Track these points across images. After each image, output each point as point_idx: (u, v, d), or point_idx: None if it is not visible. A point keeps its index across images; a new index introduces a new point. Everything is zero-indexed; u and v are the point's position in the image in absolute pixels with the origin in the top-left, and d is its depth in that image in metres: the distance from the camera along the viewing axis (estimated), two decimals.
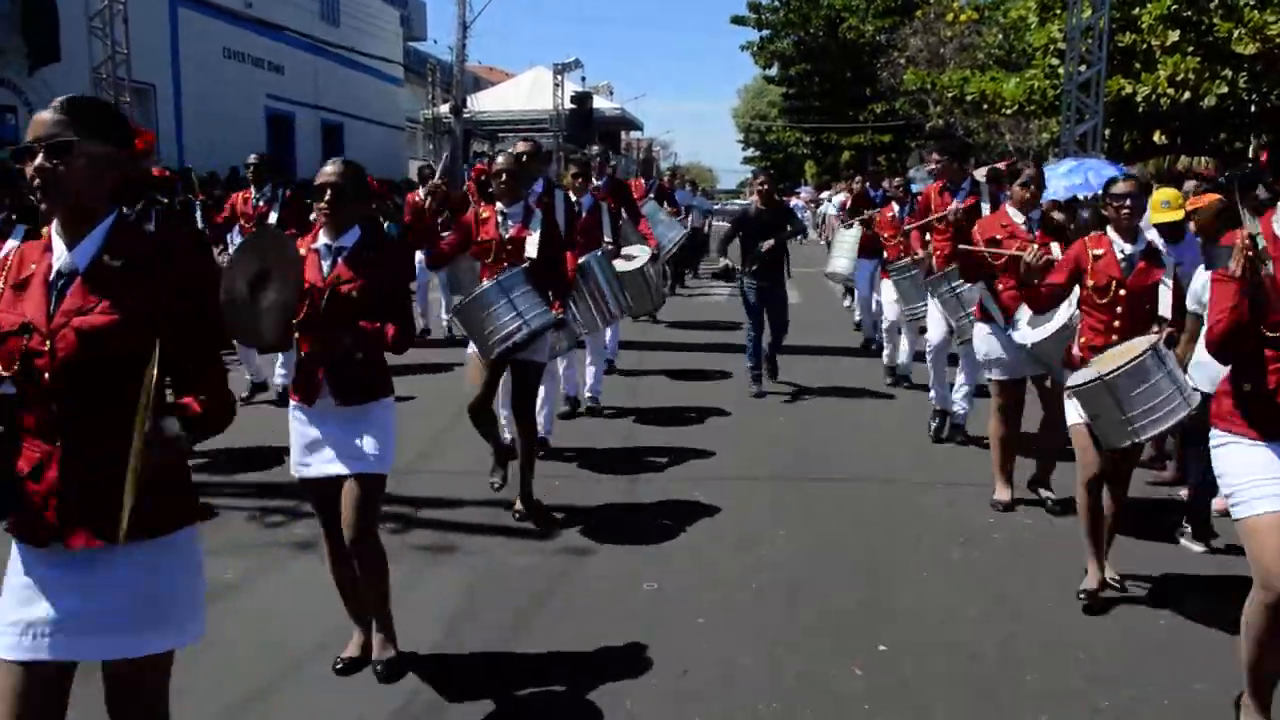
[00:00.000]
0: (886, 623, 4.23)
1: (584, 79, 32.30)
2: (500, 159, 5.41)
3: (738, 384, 9.07)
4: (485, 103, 31.18)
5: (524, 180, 5.58)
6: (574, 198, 7.25)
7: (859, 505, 5.82)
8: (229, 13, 23.12)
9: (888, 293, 9.07)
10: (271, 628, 4.17)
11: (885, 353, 9.48)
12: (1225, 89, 16.19)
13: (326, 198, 3.60)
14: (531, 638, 4.11)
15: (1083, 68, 15.17)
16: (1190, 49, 16.44)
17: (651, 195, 11.83)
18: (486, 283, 5.13)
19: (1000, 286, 5.70)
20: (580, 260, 6.55)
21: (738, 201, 46.02)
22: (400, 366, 9.00)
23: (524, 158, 5.89)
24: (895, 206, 9.36)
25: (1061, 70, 16.90)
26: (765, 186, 8.85)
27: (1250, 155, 18.67)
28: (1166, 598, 4.49)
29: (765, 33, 42.95)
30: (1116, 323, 4.48)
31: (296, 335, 3.52)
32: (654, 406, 8.26)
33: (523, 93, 31.86)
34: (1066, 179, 12.20)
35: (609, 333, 9.08)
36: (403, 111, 33.70)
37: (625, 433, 7.45)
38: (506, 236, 5.33)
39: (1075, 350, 4.61)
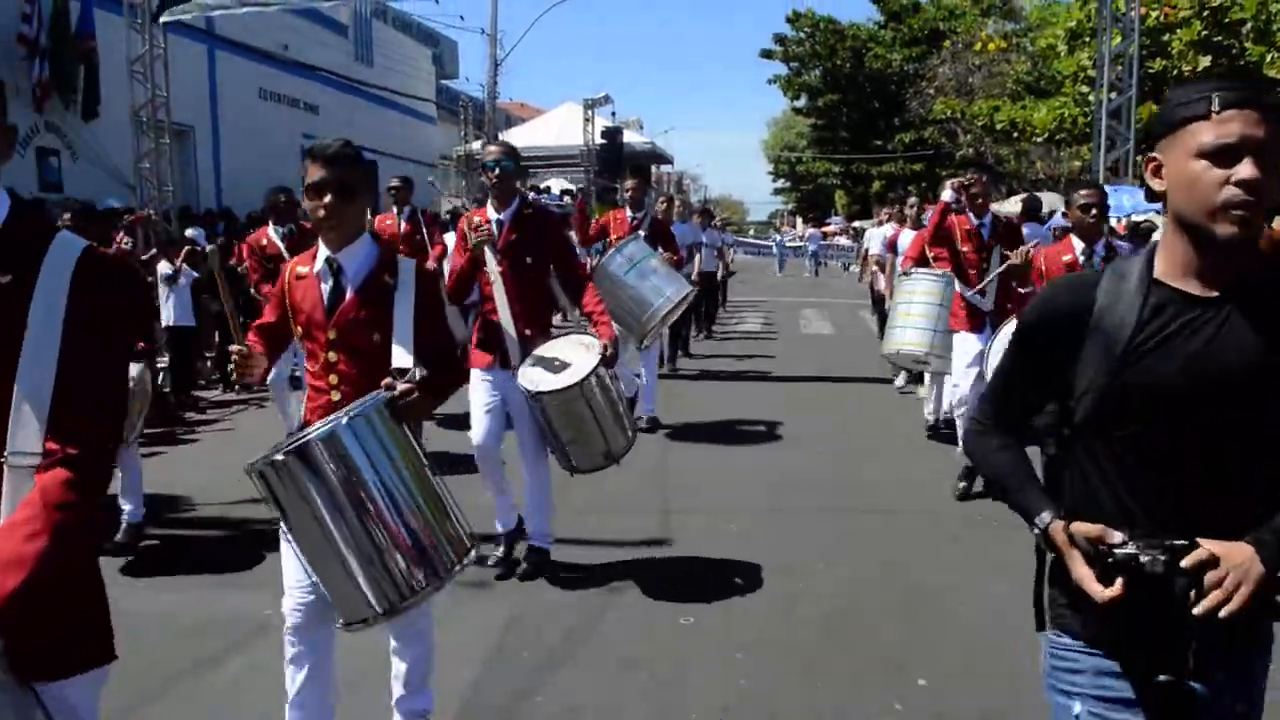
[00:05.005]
0: (927, 657, 4.19)
1: (614, 114, 32.53)
2: None
3: (773, 414, 9.04)
4: (517, 139, 31.47)
5: None
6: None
7: (898, 538, 5.77)
8: (266, 55, 23.55)
9: None
10: None
11: None
12: None
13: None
14: (568, 674, 4.10)
15: (1113, 95, 15.11)
16: (1221, 74, 16.36)
17: (643, 232, 7.97)
18: None
19: None
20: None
21: (778, 242, 40.17)
22: None
23: None
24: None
25: (1092, 97, 16.85)
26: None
27: None
28: None
29: (793, 64, 43.33)
30: None
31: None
32: (688, 438, 8.24)
33: (554, 129, 32.14)
34: None
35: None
36: (435, 148, 34.08)
37: (659, 465, 7.43)
38: None
39: None
